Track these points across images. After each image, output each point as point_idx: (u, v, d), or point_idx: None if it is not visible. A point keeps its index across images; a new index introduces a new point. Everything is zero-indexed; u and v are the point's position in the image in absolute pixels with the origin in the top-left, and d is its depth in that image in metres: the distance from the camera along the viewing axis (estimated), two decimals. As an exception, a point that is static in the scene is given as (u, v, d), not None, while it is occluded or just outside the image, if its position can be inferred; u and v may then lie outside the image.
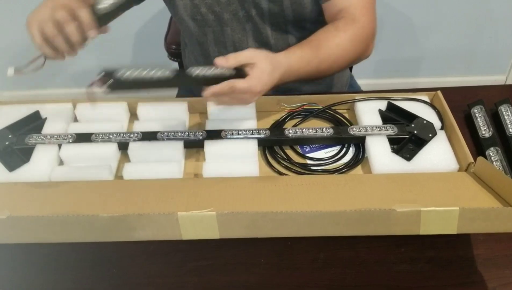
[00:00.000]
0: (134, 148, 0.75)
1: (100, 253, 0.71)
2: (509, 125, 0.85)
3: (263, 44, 0.93)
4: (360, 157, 0.78)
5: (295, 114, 0.85)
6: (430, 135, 0.77)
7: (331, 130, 0.78)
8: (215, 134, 0.77)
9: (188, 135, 0.77)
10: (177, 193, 0.68)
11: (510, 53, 1.94)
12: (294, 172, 0.76)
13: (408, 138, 0.78)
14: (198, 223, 0.59)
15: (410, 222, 0.59)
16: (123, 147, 0.77)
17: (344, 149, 0.79)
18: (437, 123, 0.81)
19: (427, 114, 0.82)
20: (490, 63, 1.95)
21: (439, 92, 0.85)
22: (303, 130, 0.78)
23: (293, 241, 0.70)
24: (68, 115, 0.82)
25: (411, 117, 0.81)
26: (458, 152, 0.76)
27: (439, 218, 0.59)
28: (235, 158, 0.76)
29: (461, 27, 1.83)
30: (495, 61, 1.95)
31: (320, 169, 0.76)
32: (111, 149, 0.75)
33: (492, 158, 0.80)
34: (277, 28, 0.91)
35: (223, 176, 0.72)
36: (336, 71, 0.85)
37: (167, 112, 0.83)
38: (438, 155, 0.75)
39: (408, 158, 0.75)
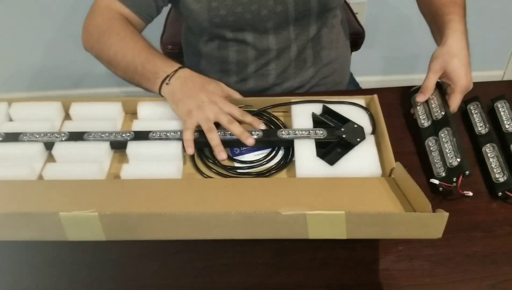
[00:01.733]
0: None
1: (95, 255, 0.70)
2: (505, 121, 0.85)
3: (283, 40, 0.95)
4: (288, 160, 0.77)
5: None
6: (358, 140, 0.77)
7: (260, 133, 0.77)
8: (143, 135, 0.76)
9: (115, 136, 0.76)
10: (91, 194, 0.68)
11: (507, 49, 1.94)
12: (220, 175, 0.75)
13: (337, 142, 0.77)
14: (82, 224, 0.58)
15: (297, 225, 0.58)
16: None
17: (274, 152, 0.78)
18: (371, 128, 0.80)
19: (364, 118, 0.81)
20: (487, 58, 1.95)
21: (375, 96, 0.83)
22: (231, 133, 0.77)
23: (290, 241, 0.69)
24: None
25: (344, 121, 0.80)
26: (384, 157, 0.75)
27: (326, 222, 0.58)
28: (159, 160, 0.75)
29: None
30: (492, 57, 1.95)
31: (245, 172, 0.75)
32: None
33: (489, 154, 0.80)
34: (300, 23, 0.94)
35: (143, 178, 0.71)
36: None
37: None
38: (362, 160, 0.74)
39: (331, 162, 0.74)
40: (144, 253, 0.70)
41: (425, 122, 0.84)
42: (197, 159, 0.77)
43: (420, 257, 0.68)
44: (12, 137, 0.76)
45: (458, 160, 0.74)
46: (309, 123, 0.81)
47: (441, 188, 0.74)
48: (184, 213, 0.57)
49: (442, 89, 0.87)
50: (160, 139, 0.76)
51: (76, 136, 0.76)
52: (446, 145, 0.78)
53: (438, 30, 0.90)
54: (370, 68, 1.89)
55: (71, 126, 0.79)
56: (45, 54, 1.83)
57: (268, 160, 0.77)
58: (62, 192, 0.69)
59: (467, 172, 0.72)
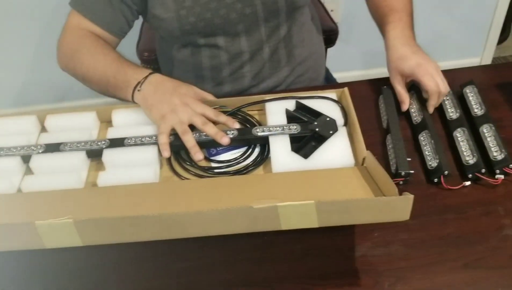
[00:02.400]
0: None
1: (76, 262, 0.71)
2: (474, 106, 0.87)
3: (255, 42, 0.97)
4: (264, 157, 0.78)
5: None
6: (331, 132, 0.78)
7: (235, 132, 0.78)
8: (118, 142, 0.77)
9: (91, 145, 0.77)
10: (69, 203, 0.69)
11: (483, 36, 1.97)
12: (197, 176, 0.76)
13: (310, 135, 0.78)
14: (58, 231, 0.59)
15: (270, 218, 0.59)
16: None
17: (250, 150, 0.79)
18: (343, 120, 0.81)
19: (336, 111, 0.83)
20: (464, 46, 1.98)
21: (345, 89, 0.84)
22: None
23: (271, 235, 0.71)
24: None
25: (317, 115, 0.81)
26: (356, 147, 0.76)
27: (297, 212, 0.59)
28: (135, 166, 0.75)
29: (433, 13, 1.86)
30: (469, 45, 1.98)
31: (222, 171, 0.77)
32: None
33: (459, 138, 0.82)
34: (270, 24, 0.96)
35: (120, 184, 0.72)
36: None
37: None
38: (336, 151, 0.76)
39: (306, 155, 0.75)
40: (125, 257, 0.71)
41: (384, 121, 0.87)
42: (174, 163, 0.78)
43: (395, 241, 0.70)
44: (53, 147, 0.77)
45: (437, 161, 0.77)
46: (283, 120, 0.82)
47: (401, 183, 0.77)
48: (157, 214, 0.58)
49: (419, 93, 0.90)
50: (136, 145, 0.77)
51: (53, 148, 0.77)
52: (425, 148, 0.81)
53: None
54: (349, 64, 1.91)
55: (47, 138, 0.80)
56: (27, 70, 1.83)
57: (244, 158, 0.79)
58: (41, 203, 0.69)
59: (446, 172, 0.75)
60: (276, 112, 0.84)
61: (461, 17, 1.89)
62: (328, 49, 1.28)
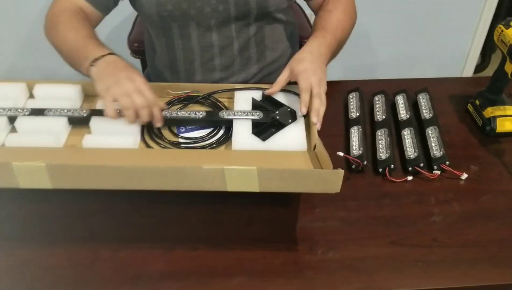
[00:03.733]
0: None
1: (48, 209, 0.78)
2: (424, 110, 0.96)
3: (225, 37, 1.05)
4: (227, 137, 0.86)
5: (182, 99, 0.93)
6: (290, 121, 0.87)
7: (204, 113, 0.87)
8: (98, 113, 0.84)
9: (73, 112, 0.85)
10: (46, 156, 0.75)
11: (461, 57, 2.05)
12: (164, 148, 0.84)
13: (271, 122, 0.87)
14: (32, 173, 0.66)
15: (217, 179, 0.67)
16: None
17: (215, 131, 0.88)
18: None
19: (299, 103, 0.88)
20: (445, 64, 2.06)
21: None
22: (178, 112, 0.87)
23: (222, 202, 0.79)
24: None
25: (280, 106, 0.90)
26: (312, 135, 0.83)
27: (241, 176, 0.66)
28: (117, 134, 0.83)
29: (412, 40, 1.95)
30: (450, 63, 2.07)
31: (189, 147, 0.84)
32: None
33: (405, 136, 0.91)
34: (240, 22, 1.03)
35: (101, 147, 0.80)
36: (345, 39, 1.03)
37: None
38: (291, 137, 0.84)
39: (264, 138, 0.84)
40: (92, 209, 0.79)
41: (353, 114, 0.96)
42: (146, 136, 0.86)
43: (333, 218, 0.78)
44: (38, 112, 0.85)
45: (387, 155, 0.86)
46: (248, 107, 0.91)
47: (353, 166, 0.86)
48: (120, 165, 0.66)
49: (388, 98, 1.00)
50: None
51: (37, 112, 0.85)
52: (380, 141, 0.90)
53: None
54: (329, 76, 1.99)
55: (33, 104, 0.88)
56: (16, 53, 1.89)
57: (210, 137, 0.87)
58: (21, 154, 0.78)
59: (392, 166, 0.85)
60: (243, 100, 0.92)
61: (439, 44, 1.98)
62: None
